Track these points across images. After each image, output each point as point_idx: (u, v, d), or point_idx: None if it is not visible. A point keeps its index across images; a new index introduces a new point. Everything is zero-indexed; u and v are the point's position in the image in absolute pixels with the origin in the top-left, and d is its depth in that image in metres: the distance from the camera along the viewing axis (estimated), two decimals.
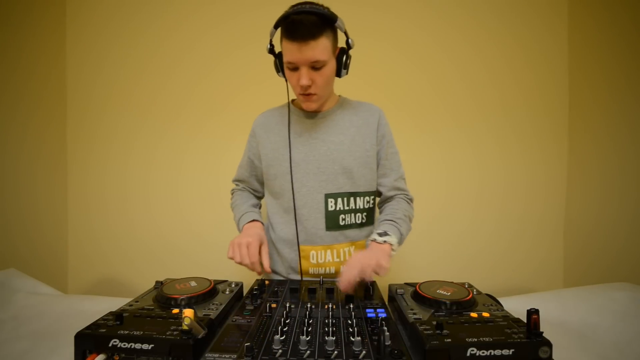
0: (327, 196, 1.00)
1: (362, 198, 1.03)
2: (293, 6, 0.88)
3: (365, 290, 0.85)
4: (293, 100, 1.10)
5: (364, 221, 1.05)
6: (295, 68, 0.91)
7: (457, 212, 1.78)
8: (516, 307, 0.88)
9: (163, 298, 0.76)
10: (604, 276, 1.50)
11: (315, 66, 0.89)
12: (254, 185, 1.16)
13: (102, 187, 1.82)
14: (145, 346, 0.58)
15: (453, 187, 1.77)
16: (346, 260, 0.95)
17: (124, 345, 0.58)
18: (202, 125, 1.80)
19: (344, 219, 1.01)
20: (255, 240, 0.93)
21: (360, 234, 1.05)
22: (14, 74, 1.54)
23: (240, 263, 0.90)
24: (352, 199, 1.02)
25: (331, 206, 1.00)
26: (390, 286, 0.89)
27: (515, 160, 1.76)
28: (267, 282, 0.94)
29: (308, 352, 0.56)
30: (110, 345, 0.59)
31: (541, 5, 1.71)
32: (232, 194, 1.20)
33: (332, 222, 1.01)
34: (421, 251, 1.78)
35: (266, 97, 1.73)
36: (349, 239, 1.03)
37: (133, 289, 1.75)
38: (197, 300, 0.77)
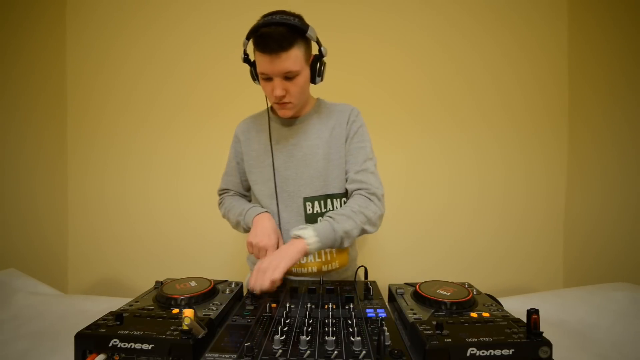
0: (306, 200, 1.03)
1: (337, 200, 1.06)
2: (264, 16, 0.89)
3: (365, 290, 0.85)
4: (272, 107, 1.11)
5: None
6: (268, 78, 0.92)
7: (458, 212, 1.78)
8: (516, 307, 0.88)
9: (163, 298, 0.76)
10: (603, 276, 1.50)
11: (288, 76, 0.91)
12: (242, 191, 1.17)
13: (102, 188, 1.82)
14: (145, 346, 0.58)
15: (454, 188, 1.77)
16: (327, 260, 1.05)
17: (124, 345, 0.58)
18: (202, 126, 1.80)
19: (321, 221, 1.01)
20: (273, 242, 0.95)
21: None
22: (13, 74, 1.54)
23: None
24: (328, 200, 1.04)
25: (309, 209, 1.04)
26: (390, 286, 0.89)
27: (516, 161, 1.76)
28: None
29: (308, 352, 0.56)
30: (110, 345, 0.59)
31: (541, 4, 1.71)
32: (220, 203, 1.17)
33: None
34: (422, 251, 1.78)
35: (262, 99, 1.75)
36: None
37: (133, 289, 1.75)
38: (197, 300, 0.77)
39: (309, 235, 0.88)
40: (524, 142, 1.75)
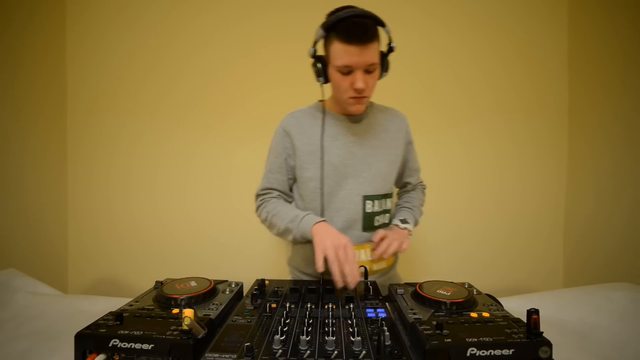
0: (365, 198, 1.02)
1: (390, 199, 1.09)
2: (340, 10, 0.88)
3: (365, 290, 0.85)
4: (320, 101, 1.08)
5: (389, 221, 1.10)
6: (349, 72, 0.90)
7: (457, 212, 1.78)
8: (516, 307, 0.88)
9: (163, 298, 0.76)
10: (603, 276, 1.50)
11: (369, 69, 0.90)
12: (287, 191, 1.09)
13: (102, 188, 1.82)
14: (145, 346, 0.58)
15: (453, 187, 1.78)
16: (378, 260, 1.04)
17: (124, 345, 0.58)
18: (209, 128, 1.79)
19: (378, 220, 1.05)
20: (347, 238, 0.87)
21: None
22: (17, 73, 1.54)
23: (333, 276, 0.82)
24: (384, 200, 1.06)
25: (369, 208, 1.02)
26: (390, 286, 0.89)
27: (516, 161, 1.76)
28: (267, 282, 0.94)
29: (308, 352, 0.56)
30: (110, 345, 0.59)
31: (540, 9, 1.71)
32: (260, 206, 1.06)
33: (369, 223, 1.03)
34: (422, 251, 1.78)
35: (271, 102, 1.75)
36: None
37: (133, 289, 1.75)
38: (197, 300, 0.77)
39: (412, 228, 1.05)
40: (522, 144, 1.75)
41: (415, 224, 1.11)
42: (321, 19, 0.92)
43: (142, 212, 1.82)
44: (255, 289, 0.85)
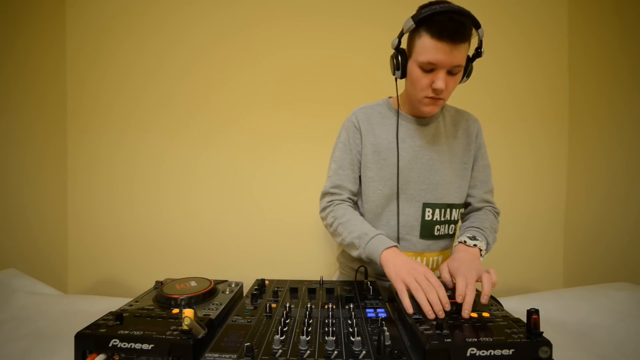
0: (425, 205, 0.98)
1: (457, 210, 1.03)
2: (435, 3, 0.82)
3: (365, 290, 0.85)
4: (390, 98, 1.05)
5: (454, 232, 1.05)
6: (431, 69, 0.85)
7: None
8: (516, 307, 0.88)
9: (163, 298, 0.76)
10: (604, 276, 1.50)
11: (453, 71, 0.85)
12: (355, 190, 1.02)
13: (102, 187, 1.82)
14: (145, 346, 0.58)
15: None
16: (432, 268, 1.00)
17: (124, 345, 0.58)
18: (213, 130, 1.78)
19: (438, 230, 1.00)
20: (425, 266, 0.80)
21: (449, 244, 1.05)
22: (17, 75, 1.54)
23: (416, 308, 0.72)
24: (448, 210, 1.01)
25: (428, 216, 0.99)
26: (390, 286, 0.89)
27: (516, 158, 1.75)
28: (267, 282, 0.94)
29: (308, 352, 0.56)
30: (110, 345, 0.59)
31: (540, 9, 1.71)
32: (327, 209, 0.99)
33: (427, 231, 0.99)
34: None
35: (269, 104, 1.74)
36: (440, 248, 1.02)
37: (133, 289, 1.75)
38: (197, 300, 0.77)
39: (484, 246, 0.91)
40: (524, 139, 1.75)
41: (488, 247, 0.94)
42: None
43: (142, 211, 1.82)
44: (255, 289, 0.85)
